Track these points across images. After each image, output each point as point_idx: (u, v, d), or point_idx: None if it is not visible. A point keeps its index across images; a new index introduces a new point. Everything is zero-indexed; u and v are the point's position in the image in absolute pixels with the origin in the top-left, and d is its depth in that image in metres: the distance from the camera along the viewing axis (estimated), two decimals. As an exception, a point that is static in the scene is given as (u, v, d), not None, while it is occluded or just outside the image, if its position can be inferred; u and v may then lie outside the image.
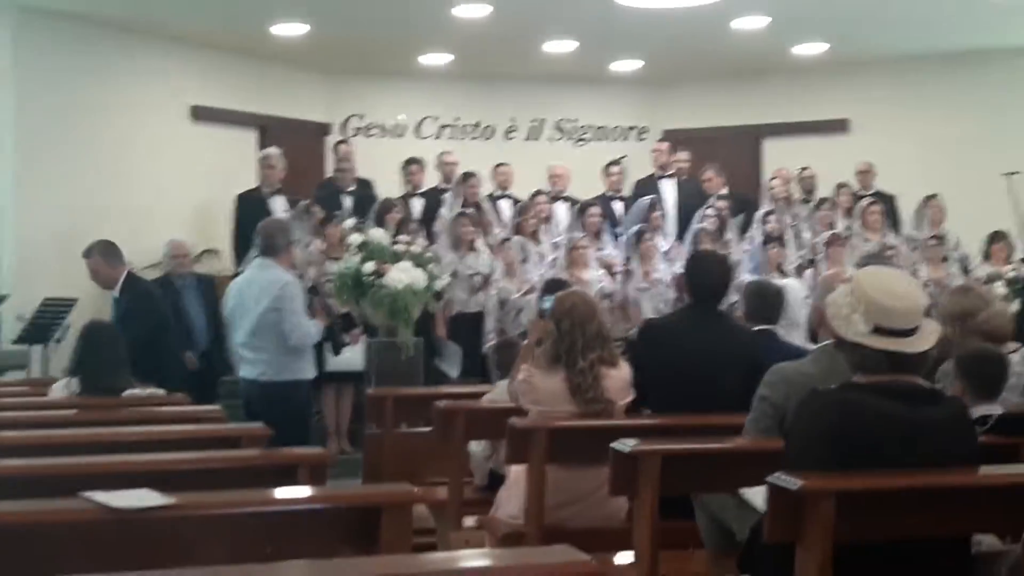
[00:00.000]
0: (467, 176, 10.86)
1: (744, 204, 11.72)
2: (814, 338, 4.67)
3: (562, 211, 11.22)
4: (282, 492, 3.59)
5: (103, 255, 7.73)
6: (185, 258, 9.46)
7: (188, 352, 9.03)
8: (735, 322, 5.56)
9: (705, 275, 5.51)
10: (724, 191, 11.68)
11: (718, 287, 5.50)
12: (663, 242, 10.70)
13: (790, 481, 3.37)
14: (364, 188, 11.07)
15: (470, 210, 10.37)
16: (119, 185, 10.91)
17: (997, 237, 10.65)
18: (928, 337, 3.58)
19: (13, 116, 10.15)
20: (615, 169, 11.43)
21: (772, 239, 10.30)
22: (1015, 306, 9.10)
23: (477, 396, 6.55)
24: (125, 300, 7.60)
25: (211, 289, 9.43)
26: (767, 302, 5.86)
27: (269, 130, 12.57)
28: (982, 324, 5.40)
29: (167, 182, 11.37)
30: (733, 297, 7.35)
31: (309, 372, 7.18)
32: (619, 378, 5.27)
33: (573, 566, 2.64)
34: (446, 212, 10.65)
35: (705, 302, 5.47)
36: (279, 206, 10.15)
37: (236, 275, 9.01)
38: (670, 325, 5.75)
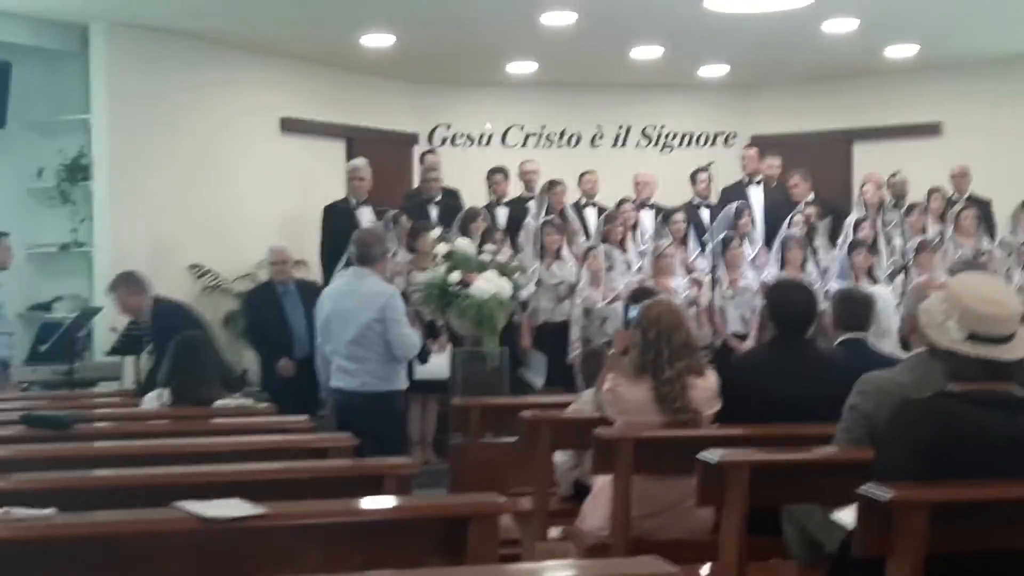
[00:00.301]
0: (552, 184, 10.86)
1: (833, 210, 11.58)
2: (905, 346, 4.59)
3: (648, 219, 11.17)
4: (369, 502, 3.61)
5: (125, 285, 7.90)
6: (285, 264, 9.36)
7: (283, 359, 9.11)
8: (824, 352, 5.44)
9: (789, 305, 5.39)
10: (811, 197, 11.55)
11: (804, 317, 5.38)
12: (750, 249, 10.62)
13: (881, 492, 3.33)
14: (451, 198, 11.11)
15: (555, 218, 10.36)
16: (210, 197, 11.07)
17: (1093, 240, 10.43)
18: (1023, 344, 3.51)
19: (107, 130, 10.33)
20: (702, 176, 11.36)
21: (859, 245, 10.16)
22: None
23: (562, 406, 6.54)
24: (154, 325, 7.71)
25: (314, 295, 9.19)
26: (855, 309, 5.74)
27: (357, 140, 12.67)
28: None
29: (257, 193, 11.52)
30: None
31: (405, 382, 7.22)
32: (706, 387, 5.22)
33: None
34: (531, 221, 10.65)
35: (791, 334, 5.35)
36: (366, 217, 10.23)
37: (324, 285, 9.11)
38: (757, 363, 5.58)
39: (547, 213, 10.57)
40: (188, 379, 6.26)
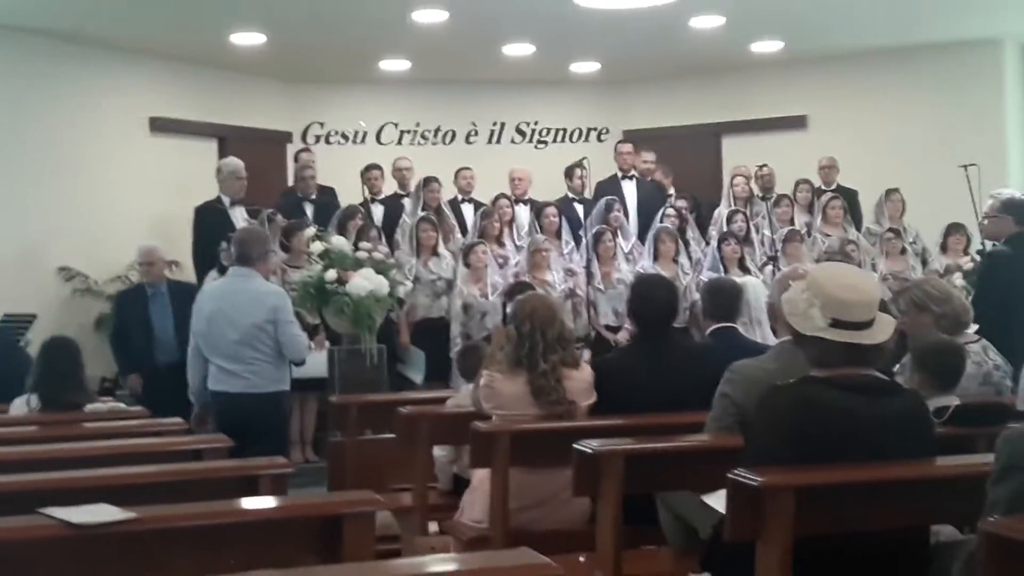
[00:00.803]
0: (428, 181, 10.84)
1: (703, 203, 11.78)
2: (776, 334, 4.70)
3: (524, 214, 11.22)
4: (244, 503, 3.59)
5: None
6: (153, 265, 8.86)
7: (132, 375, 8.84)
8: (691, 344, 5.53)
9: (649, 303, 5.43)
10: (671, 191, 11.75)
11: (664, 313, 5.43)
12: (625, 243, 10.72)
13: (750, 477, 3.40)
14: (326, 196, 11.05)
15: (431, 215, 10.36)
16: (77, 199, 10.85)
17: (953, 229, 10.73)
18: (884, 329, 3.62)
19: (-32, 132, 10.08)
20: (576, 172, 11.46)
21: (729, 236, 10.34)
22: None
23: (441, 401, 6.56)
24: None
25: (187, 297, 8.32)
26: (722, 300, 5.84)
27: (229, 140, 12.52)
28: (940, 316, 5.44)
29: (127, 194, 11.32)
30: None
31: (289, 382, 7.11)
32: (581, 379, 5.28)
33: (535, 569, 2.65)
34: (407, 218, 10.63)
35: (652, 331, 5.41)
36: (240, 216, 10.10)
37: (198, 286, 8.96)
38: (620, 364, 5.59)
39: (423, 210, 10.56)
40: (57, 383, 6.13)
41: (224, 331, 6.75)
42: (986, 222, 8.26)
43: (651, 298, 5.44)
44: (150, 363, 8.70)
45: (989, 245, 8.31)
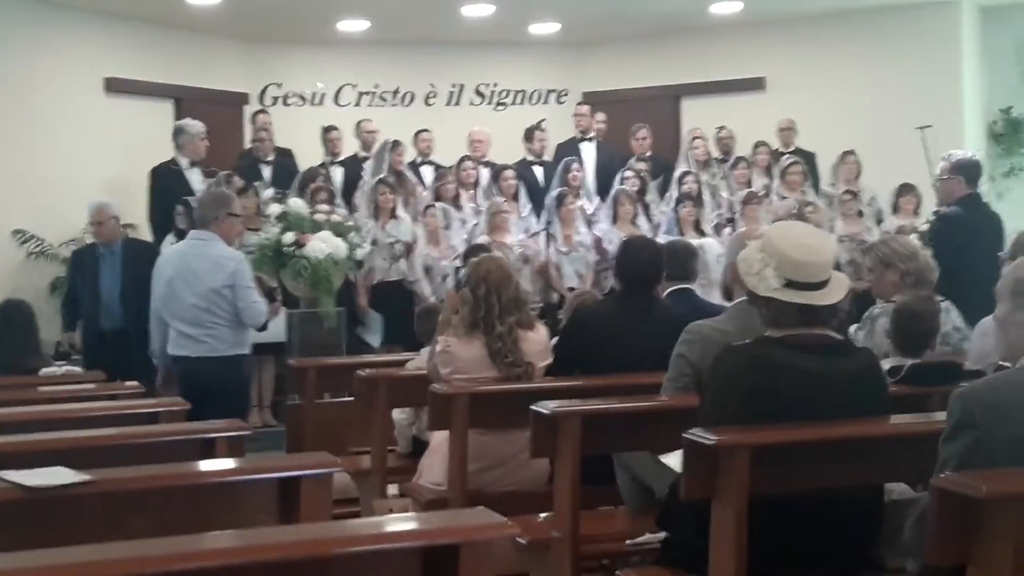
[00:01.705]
0: (395, 144, 10.79)
1: (664, 166, 11.79)
2: (729, 296, 4.72)
3: (484, 177, 11.20)
4: (200, 466, 3.59)
5: None
6: (102, 225, 8.28)
7: (67, 333, 8.56)
8: (667, 308, 5.55)
9: (636, 264, 5.47)
10: (648, 153, 11.75)
11: (648, 274, 5.46)
12: (588, 205, 10.73)
13: (706, 436, 3.43)
14: (284, 157, 10.99)
15: (389, 177, 10.31)
16: (32, 160, 10.72)
17: (905, 190, 10.79)
18: (838, 289, 3.65)
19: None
20: (536, 134, 11.44)
21: (684, 199, 10.37)
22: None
23: (400, 364, 6.57)
24: None
25: (143, 257, 8.12)
26: (678, 261, 5.86)
27: (185, 101, 12.39)
28: (906, 272, 5.47)
29: (81, 156, 11.19)
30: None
31: (250, 345, 7.07)
32: (537, 341, 5.31)
33: (492, 528, 2.66)
34: (367, 180, 10.58)
35: (635, 290, 5.44)
36: (196, 178, 10.03)
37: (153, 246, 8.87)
38: (601, 315, 5.61)
39: (386, 173, 10.50)
40: (12, 347, 6.10)
41: (183, 295, 6.68)
42: (938, 184, 8.32)
43: (638, 259, 5.48)
44: (95, 326, 8.34)
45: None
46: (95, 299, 8.31)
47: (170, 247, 8.06)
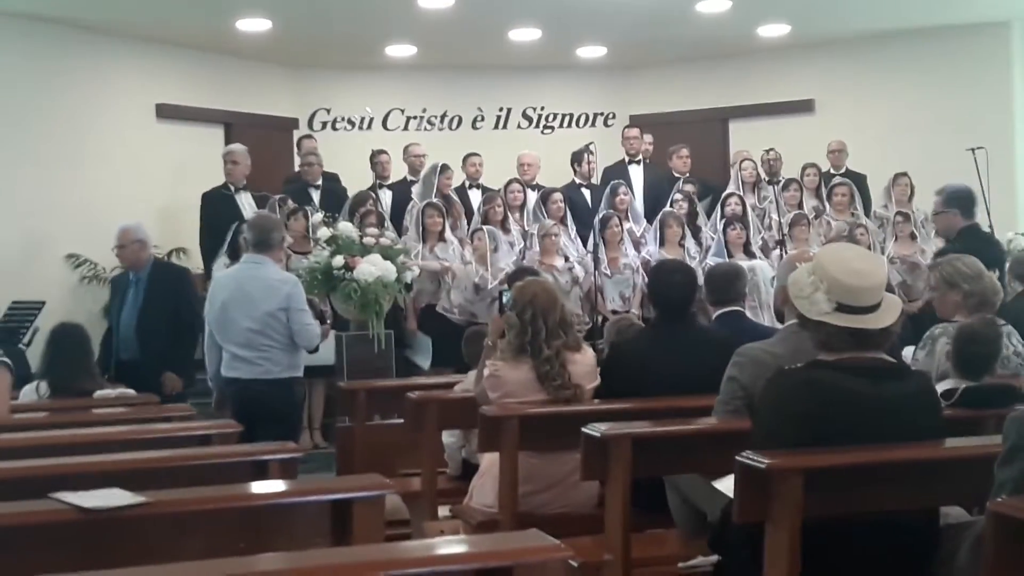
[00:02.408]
0: (444, 168, 10.83)
1: (710, 188, 11.77)
2: (780, 318, 4.69)
3: (531, 199, 11.21)
4: (253, 487, 3.61)
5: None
6: (124, 248, 7.89)
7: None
8: (704, 329, 5.52)
9: (667, 287, 5.43)
10: (687, 173, 11.72)
11: (682, 297, 5.41)
12: (636, 227, 10.71)
13: (758, 460, 3.41)
14: (331, 182, 11.06)
15: (437, 200, 10.34)
16: (85, 186, 10.86)
17: (960, 212, 10.70)
18: (890, 312, 3.62)
19: (-25, 120, 10.09)
20: (585, 157, 11.45)
21: (733, 221, 10.33)
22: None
23: (449, 386, 6.57)
24: None
25: (172, 281, 7.95)
26: (724, 284, 5.82)
27: (235, 126, 12.53)
28: (968, 294, 5.42)
29: (133, 181, 11.33)
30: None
31: (302, 368, 7.11)
32: (584, 363, 5.29)
33: (545, 550, 2.66)
34: (417, 204, 10.62)
35: (671, 314, 5.41)
36: (247, 202, 10.12)
37: (206, 272, 8.94)
38: (639, 346, 5.55)
39: (433, 196, 10.53)
40: (66, 370, 6.16)
41: (238, 319, 6.72)
42: (935, 218, 8.22)
43: (669, 282, 5.43)
44: (115, 355, 7.90)
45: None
46: (117, 328, 8.00)
47: (223, 271, 8.10)
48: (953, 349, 4.85)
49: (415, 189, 10.91)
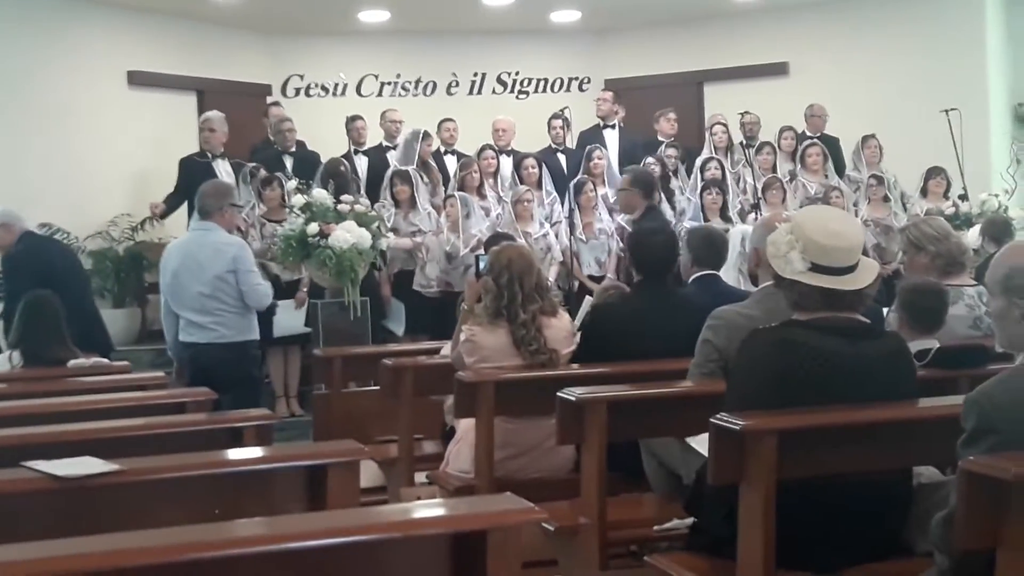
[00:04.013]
0: (426, 135, 10.80)
1: (688, 152, 11.76)
2: (754, 281, 4.69)
3: (508, 165, 11.17)
4: (228, 454, 3.60)
5: None
6: None
7: None
8: (687, 295, 5.53)
9: (647, 250, 5.42)
10: (673, 137, 11.71)
11: (664, 260, 5.42)
12: (610, 192, 10.70)
13: (733, 421, 3.42)
14: (305, 149, 11.00)
15: (410, 168, 10.30)
16: (56, 154, 10.78)
17: (933, 173, 10.75)
18: (866, 275, 3.62)
19: (-56, 86, 9.99)
20: (556, 122, 11.42)
21: (709, 185, 10.33)
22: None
23: (425, 353, 6.57)
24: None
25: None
26: (714, 249, 5.83)
27: (208, 93, 12.44)
28: (935, 255, 5.44)
29: (106, 149, 11.26)
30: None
31: (258, 331, 7.17)
32: (560, 327, 5.30)
33: (520, 513, 2.66)
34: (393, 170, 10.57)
35: (652, 279, 5.40)
36: (223, 169, 10.08)
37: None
38: (620, 310, 5.56)
39: (416, 163, 10.48)
40: (39, 339, 6.12)
41: (189, 284, 6.85)
42: (618, 194, 8.74)
43: (649, 244, 5.43)
44: None
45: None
46: None
47: (173, 240, 8.12)
48: (901, 305, 4.88)
49: (394, 155, 10.86)
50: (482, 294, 5.30)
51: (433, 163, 10.87)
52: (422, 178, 10.37)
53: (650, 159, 10.90)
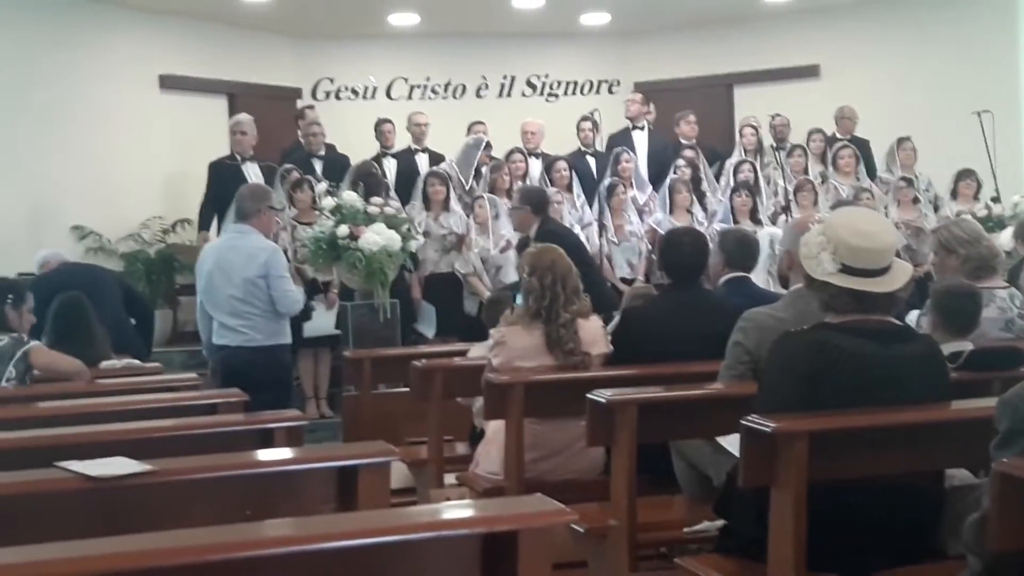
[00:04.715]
0: (488, 146, 10.81)
1: (715, 154, 11.73)
2: (784, 284, 4.68)
3: (537, 168, 11.17)
4: (259, 455, 3.61)
5: None
6: None
7: None
8: (715, 297, 5.52)
9: (678, 254, 5.43)
10: (694, 141, 11.67)
11: (694, 263, 5.43)
12: (640, 194, 10.68)
13: (763, 423, 3.40)
14: (334, 152, 11.02)
15: (441, 169, 10.31)
16: (89, 157, 10.86)
17: (964, 175, 10.68)
18: (899, 277, 3.60)
19: (-23, 90, 10.07)
20: (585, 124, 11.41)
21: (740, 188, 10.30)
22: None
23: (454, 355, 6.58)
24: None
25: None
26: (747, 251, 5.82)
27: (238, 97, 12.49)
28: (966, 258, 5.42)
29: (137, 153, 11.32)
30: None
31: (289, 336, 7.17)
32: (593, 330, 5.30)
33: (550, 515, 2.66)
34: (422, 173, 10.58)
35: (682, 281, 5.41)
36: (253, 172, 10.11)
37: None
38: (650, 313, 5.57)
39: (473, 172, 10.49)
40: (73, 340, 6.17)
41: (222, 287, 6.84)
42: (511, 212, 8.88)
43: (678, 246, 5.44)
44: None
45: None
46: None
47: (208, 243, 8.16)
48: (934, 306, 4.86)
49: (418, 158, 10.88)
50: (522, 295, 5.32)
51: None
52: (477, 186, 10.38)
53: (681, 161, 10.88)
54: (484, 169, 10.58)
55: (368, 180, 9.37)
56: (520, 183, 10.64)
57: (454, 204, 10.08)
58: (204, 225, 10.14)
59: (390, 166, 10.94)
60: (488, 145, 10.80)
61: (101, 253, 10.81)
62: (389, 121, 11.28)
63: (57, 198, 10.55)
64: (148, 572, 2.31)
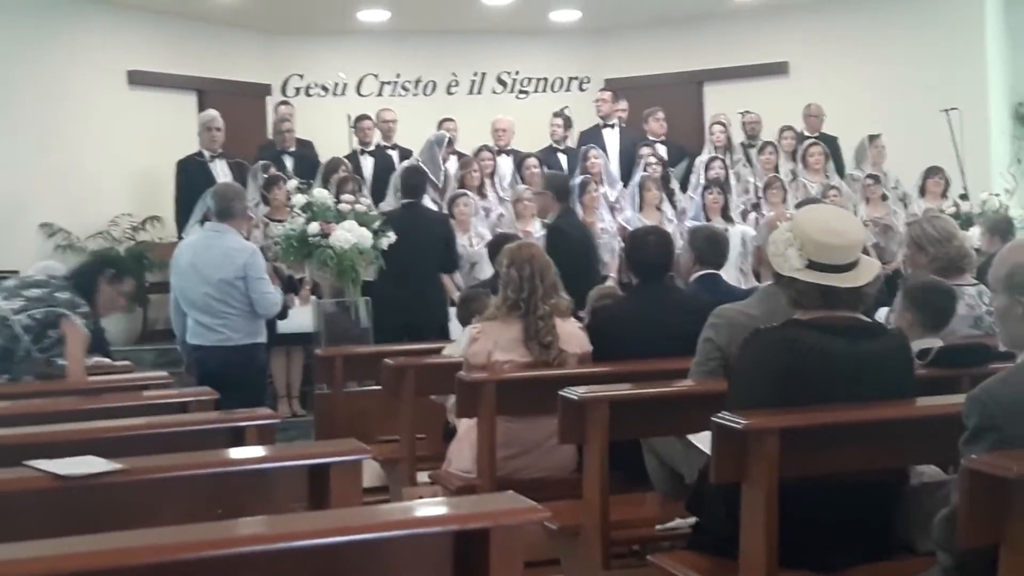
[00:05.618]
0: (450, 141, 10.78)
1: (681, 152, 11.76)
2: (758, 278, 4.71)
3: (507, 165, 11.17)
4: (230, 453, 3.60)
5: None
6: None
7: None
8: (683, 294, 5.54)
9: (643, 253, 5.46)
10: (663, 137, 11.69)
11: (660, 262, 5.46)
12: (611, 191, 10.70)
13: (734, 420, 3.42)
14: (305, 148, 10.99)
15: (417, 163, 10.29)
16: (58, 153, 10.78)
17: (932, 172, 10.75)
18: (865, 273, 3.62)
19: (-56, 87, 10.00)
20: (556, 121, 11.42)
21: (711, 185, 10.33)
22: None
23: (426, 353, 6.57)
24: None
25: None
26: (718, 248, 5.85)
27: (208, 93, 12.43)
28: (934, 257, 5.45)
29: (106, 149, 11.25)
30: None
31: (265, 334, 7.15)
32: (570, 328, 5.31)
33: (522, 512, 2.66)
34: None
35: (649, 280, 5.44)
36: (221, 170, 10.06)
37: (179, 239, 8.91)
38: (618, 312, 5.60)
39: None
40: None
41: (197, 285, 6.82)
42: (535, 197, 9.11)
43: (643, 246, 5.46)
44: None
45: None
46: None
47: (185, 239, 8.12)
48: (909, 302, 4.87)
49: (393, 154, 10.85)
50: (500, 287, 5.31)
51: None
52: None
53: (652, 159, 10.90)
54: (447, 165, 10.56)
55: (338, 176, 9.37)
56: (489, 180, 10.65)
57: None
58: (184, 225, 10.05)
59: (367, 163, 10.91)
60: (451, 141, 10.76)
61: (70, 251, 10.72)
62: (368, 117, 11.23)
63: (25, 196, 10.48)
64: (118, 571, 2.30)
